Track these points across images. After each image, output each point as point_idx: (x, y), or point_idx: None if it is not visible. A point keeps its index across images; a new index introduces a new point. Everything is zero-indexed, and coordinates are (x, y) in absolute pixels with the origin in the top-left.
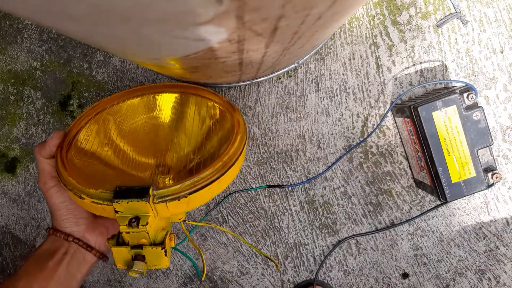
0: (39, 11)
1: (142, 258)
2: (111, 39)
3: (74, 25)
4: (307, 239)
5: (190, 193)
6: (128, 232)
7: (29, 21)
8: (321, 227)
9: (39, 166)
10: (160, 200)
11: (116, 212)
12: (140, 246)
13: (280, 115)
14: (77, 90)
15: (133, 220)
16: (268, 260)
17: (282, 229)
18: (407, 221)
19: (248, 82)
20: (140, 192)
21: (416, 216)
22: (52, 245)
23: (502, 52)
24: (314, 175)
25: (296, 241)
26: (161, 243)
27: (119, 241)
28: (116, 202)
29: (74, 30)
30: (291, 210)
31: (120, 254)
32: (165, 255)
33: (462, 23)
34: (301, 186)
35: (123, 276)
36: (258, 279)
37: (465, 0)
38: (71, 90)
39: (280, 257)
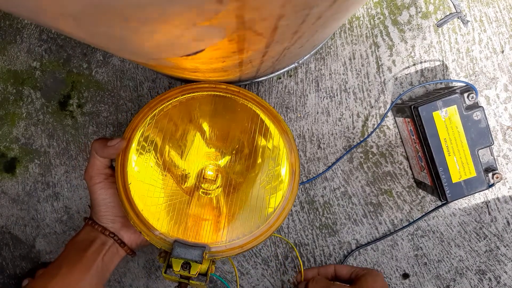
0: (38, 10)
1: (185, 285)
2: (110, 38)
3: (73, 24)
4: (307, 239)
5: (238, 254)
6: (179, 271)
7: (28, 21)
8: (321, 227)
9: (90, 159)
10: (211, 257)
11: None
12: (187, 278)
13: (280, 115)
14: (76, 90)
15: (185, 265)
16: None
17: (282, 229)
18: (408, 225)
19: (248, 82)
20: (195, 253)
21: (417, 219)
22: (89, 235)
23: (503, 52)
24: (314, 175)
25: (296, 241)
26: (205, 274)
27: (168, 266)
28: (174, 257)
29: (73, 30)
30: (291, 210)
31: (167, 276)
32: (205, 283)
33: (463, 22)
34: (301, 186)
35: (122, 276)
36: (258, 280)
37: None
38: (70, 90)
39: (280, 257)
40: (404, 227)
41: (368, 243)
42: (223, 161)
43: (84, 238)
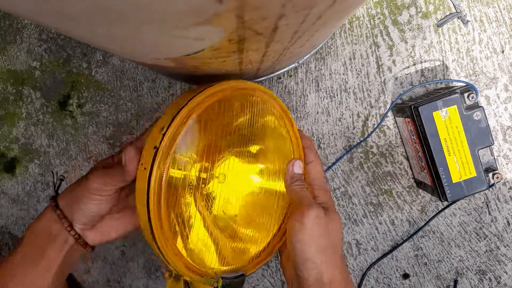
0: (38, 10)
1: None
2: (111, 38)
3: (73, 24)
4: None
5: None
6: None
7: (28, 21)
8: None
9: (107, 178)
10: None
11: None
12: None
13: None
14: (76, 90)
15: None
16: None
17: None
18: (413, 234)
19: None
20: (238, 282)
21: (423, 226)
22: (52, 226)
23: (503, 51)
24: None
25: None
26: None
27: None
28: None
29: (73, 30)
30: None
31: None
32: None
33: (463, 22)
34: None
35: (122, 276)
36: (258, 280)
37: None
38: (70, 90)
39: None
40: (407, 239)
41: (381, 257)
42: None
43: (46, 228)
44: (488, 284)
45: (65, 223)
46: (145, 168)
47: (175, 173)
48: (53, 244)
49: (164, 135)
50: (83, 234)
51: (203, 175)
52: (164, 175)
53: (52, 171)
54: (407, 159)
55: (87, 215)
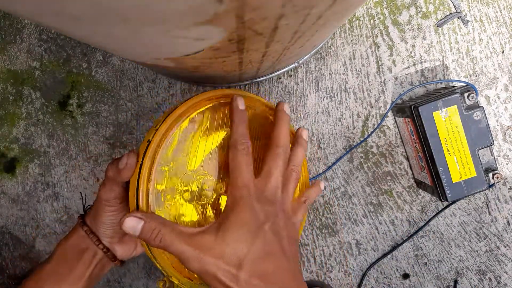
0: (38, 10)
1: None
2: (111, 39)
3: (73, 25)
4: (308, 239)
5: None
6: None
7: (28, 21)
8: (321, 227)
9: (107, 184)
10: None
11: None
12: None
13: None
14: (76, 90)
15: None
16: None
17: None
18: (413, 234)
19: (248, 82)
20: None
21: (423, 226)
22: (81, 241)
23: (503, 51)
24: (314, 175)
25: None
26: None
27: None
28: None
29: (73, 30)
30: None
31: None
32: None
33: (463, 22)
34: None
35: (122, 276)
36: None
37: None
38: (70, 90)
39: None
40: (414, 233)
41: (382, 256)
42: None
43: (76, 244)
44: (488, 284)
45: (93, 238)
46: (137, 161)
47: (178, 184)
48: (81, 259)
49: (157, 130)
50: (111, 247)
51: (205, 186)
52: (155, 166)
53: (81, 193)
54: (407, 159)
55: (109, 227)
